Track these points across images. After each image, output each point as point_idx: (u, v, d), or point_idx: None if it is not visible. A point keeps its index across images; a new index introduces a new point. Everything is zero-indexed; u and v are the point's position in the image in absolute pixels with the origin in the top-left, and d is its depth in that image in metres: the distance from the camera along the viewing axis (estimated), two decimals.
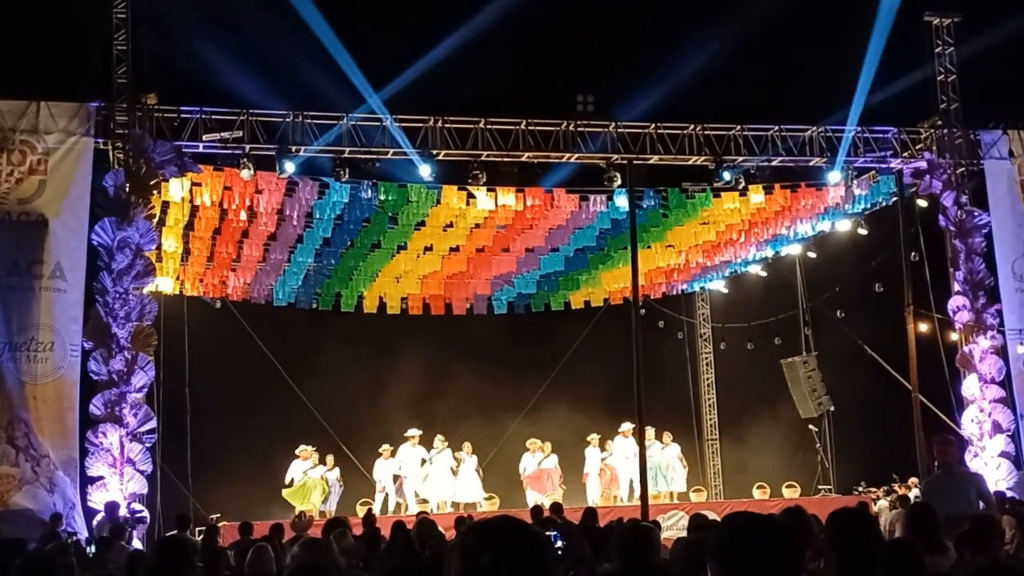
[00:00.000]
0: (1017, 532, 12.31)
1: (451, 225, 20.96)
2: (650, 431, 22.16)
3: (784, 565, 3.47)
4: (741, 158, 19.28)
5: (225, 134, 17.59)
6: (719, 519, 10.95)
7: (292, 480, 20.68)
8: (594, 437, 22.26)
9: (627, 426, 21.40)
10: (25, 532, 15.00)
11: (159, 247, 18.54)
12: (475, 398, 23.76)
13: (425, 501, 20.78)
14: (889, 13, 18.11)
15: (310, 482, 20.53)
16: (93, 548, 14.06)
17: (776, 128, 19.46)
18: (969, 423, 19.28)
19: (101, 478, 16.04)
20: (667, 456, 22.14)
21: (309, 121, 17.90)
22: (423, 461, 21.28)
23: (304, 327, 24.01)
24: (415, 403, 23.68)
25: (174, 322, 20.29)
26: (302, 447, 20.93)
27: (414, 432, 21.47)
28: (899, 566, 5.25)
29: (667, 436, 22.43)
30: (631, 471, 20.94)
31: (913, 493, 18.68)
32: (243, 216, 19.61)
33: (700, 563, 5.41)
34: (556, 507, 14.76)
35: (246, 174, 17.73)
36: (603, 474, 21.91)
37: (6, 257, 16.32)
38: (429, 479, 21.10)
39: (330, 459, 21.13)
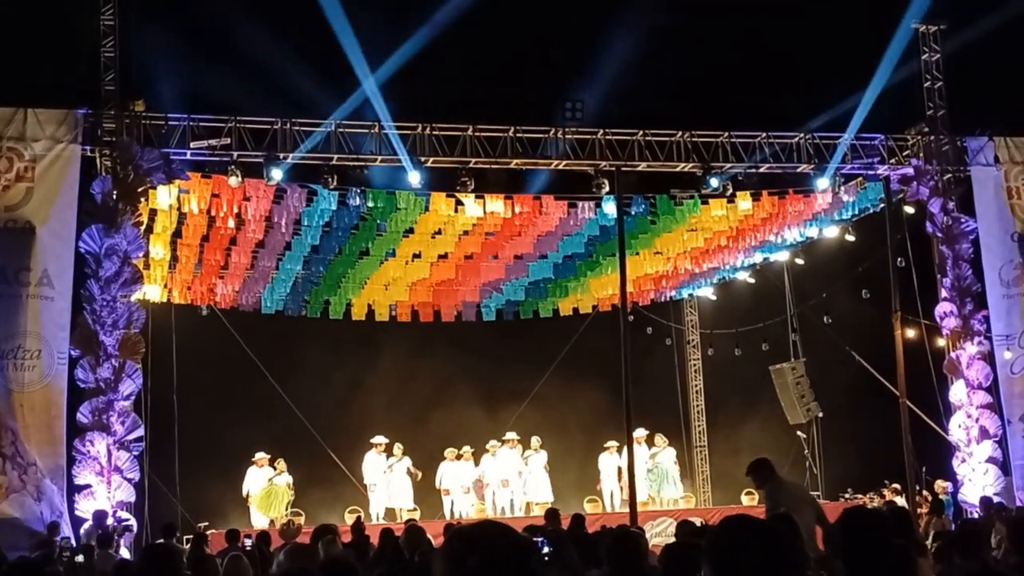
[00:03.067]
0: (1006, 538, 12.33)
1: (439, 232, 20.96)
2: (660, 438, 22.34)
3: (777, 569, 3.46)
4: (729, 165, 19.31)
5: (213, 141, 17.55)
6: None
7: (248, 491, 20.59)
8: (612, 444, 22.11)
9: (640, 432, 21.41)
10: (11, 541, 14.95)
11: (147, 254, 18.50)
12: (461, 405, 23.74)
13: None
14: (878, 20, 18.21)
15: (279, 489, 20.45)
16: (81, 557, 14.00)
17: (764, 135, 19.50)
18: (956, 429, 19.33)
19: (88, 486, 15.97)
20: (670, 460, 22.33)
21: (297, 128, 17.87)
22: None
23: (292, 334, 23.96)
24: (405, 409, 23.68)
25: (162, 330, 20.24)
26: (260, 454, 20.87)
27: (380, 440, 21.39)
28: (895, 569, 5.26)
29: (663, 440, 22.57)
30: (642, 476, 21.08)
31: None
32: (231, 223, 19.57)
33: (689, 569, 5.41)
34: (552, 513, 14.74)
35: (234, 181, 17.69)
36: (620, 479, 21.92)
37: None
38: (392, 488, 21.04)
39: (281, 463, 20.84)
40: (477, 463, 21.93)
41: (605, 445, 22.23)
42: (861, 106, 18.95)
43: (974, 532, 8.02)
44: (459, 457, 21.74)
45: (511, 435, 21.93)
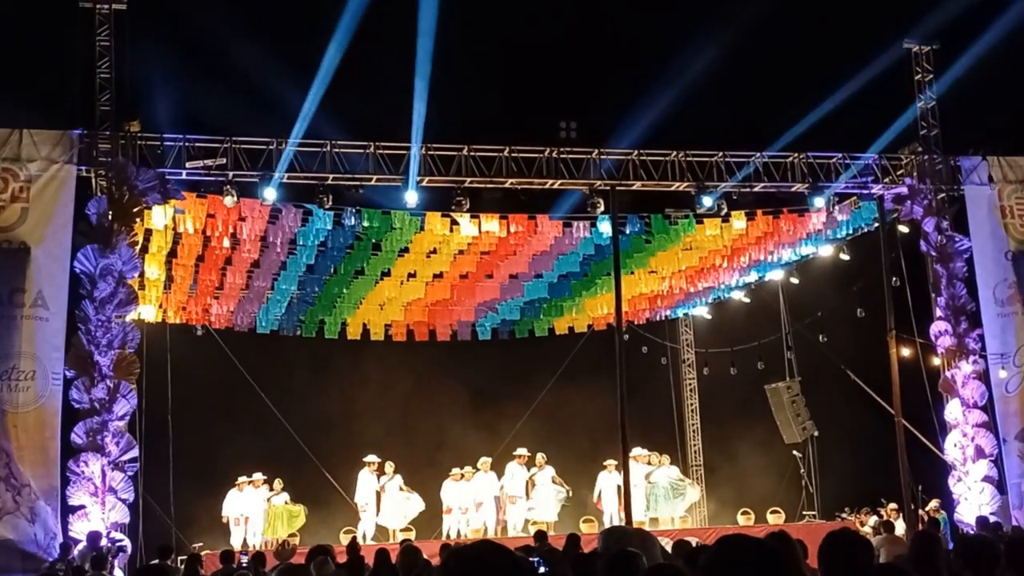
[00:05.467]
0: (1003, 556, 12.29)
1: (435, 251, 20.96)
2: (655, 456, 22.30)
3: None
4: (723, 184, 19.35)
5: (208, 161, 17.57)
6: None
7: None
8: (611, 463, 21.87)
9: (638, 451, 21.32)
10: (6, 563, 14.90)
11: (142, 274, 18.48)
12: (456, 423, 23.70)
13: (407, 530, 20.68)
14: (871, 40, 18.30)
15: (278, 510, 20.38)
16: None
17: (757, 154, 19.55)
18: (952, 448, 19.32)
19: (83, 507, 15.89)
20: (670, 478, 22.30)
21: (292, 148, 17.88)
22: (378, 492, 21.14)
23: (287, 354, 23.94)
24: (399, 427, 23.64)
25: (157, 350, 20.20)
26: (257, 475, 20.77)
27: (372, 459, 21.29)
28: None
29: (665, 458, 22.58)
30: (641, 496, 21.01)
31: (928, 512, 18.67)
32: (226, 243, 19.57)
33: None
34: (541, 534, 14.74)
35: (229, 201, 17.70)
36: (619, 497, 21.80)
37: None
38: (384, 508, 20.95)
39: (278, 483, 20.83)
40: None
41: (604, 464, 22.14)
42: (850, 120, 19.05)
43: (982, 549, 7.96)
44: (461, 477, 21.66)
45: (521, 451, 21.84)
